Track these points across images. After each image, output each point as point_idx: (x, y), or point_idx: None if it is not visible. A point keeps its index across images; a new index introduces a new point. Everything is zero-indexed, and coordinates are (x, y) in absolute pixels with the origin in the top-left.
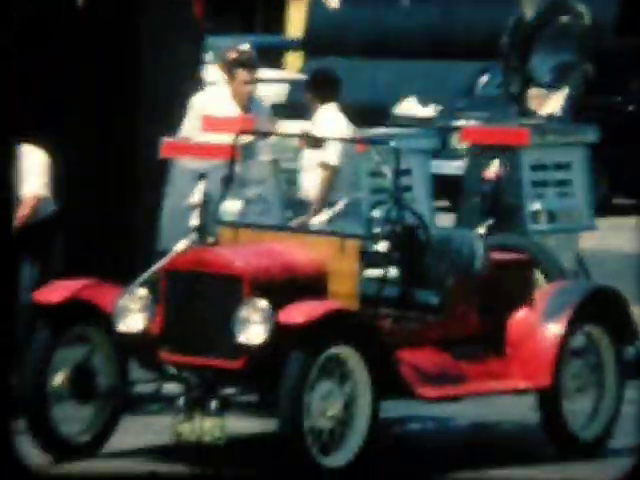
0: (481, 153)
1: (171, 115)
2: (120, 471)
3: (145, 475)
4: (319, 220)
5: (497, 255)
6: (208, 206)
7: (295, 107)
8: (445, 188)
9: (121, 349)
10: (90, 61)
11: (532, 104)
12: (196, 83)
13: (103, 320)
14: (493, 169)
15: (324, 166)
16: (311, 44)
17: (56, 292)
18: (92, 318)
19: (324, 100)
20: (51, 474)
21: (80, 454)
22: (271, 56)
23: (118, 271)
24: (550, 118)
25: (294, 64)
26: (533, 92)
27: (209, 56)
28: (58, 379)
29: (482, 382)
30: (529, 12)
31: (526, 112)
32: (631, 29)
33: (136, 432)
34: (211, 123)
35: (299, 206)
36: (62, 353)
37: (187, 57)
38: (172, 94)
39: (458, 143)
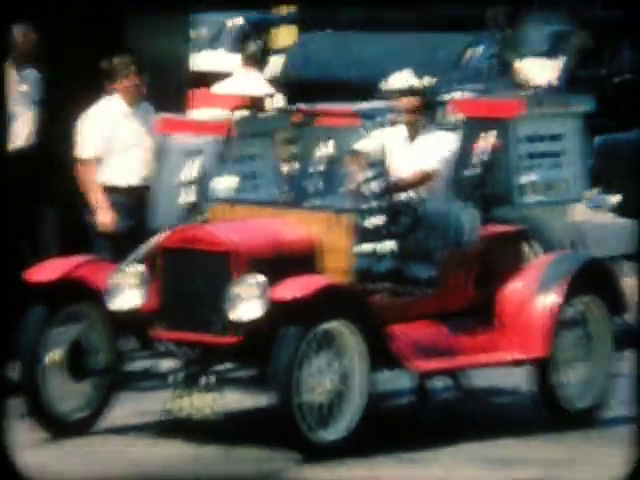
0: (475, 125)
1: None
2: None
3: None
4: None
5: (490, 228)
6: (203, 183)
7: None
8: None
9: (115, 326)
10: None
11: (527, 74)
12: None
13: (97, 297)
14: (487, 141)
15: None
16: (304, 19)
17: (48, 271)
18: (86, 296)
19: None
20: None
21: (76, 431)
22: (261, 31)
23: None
24: (546, 88)
25: (285, 39)
26: (527, 62)
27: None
28: (53, 357)
29: (477, 354)
30: None
31: (520, 83)
32: (617, 1)
33: (131, 408)
34: (205, 99)
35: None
36: (57, 331)
37: (176, 37)
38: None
39: (450, 116)
